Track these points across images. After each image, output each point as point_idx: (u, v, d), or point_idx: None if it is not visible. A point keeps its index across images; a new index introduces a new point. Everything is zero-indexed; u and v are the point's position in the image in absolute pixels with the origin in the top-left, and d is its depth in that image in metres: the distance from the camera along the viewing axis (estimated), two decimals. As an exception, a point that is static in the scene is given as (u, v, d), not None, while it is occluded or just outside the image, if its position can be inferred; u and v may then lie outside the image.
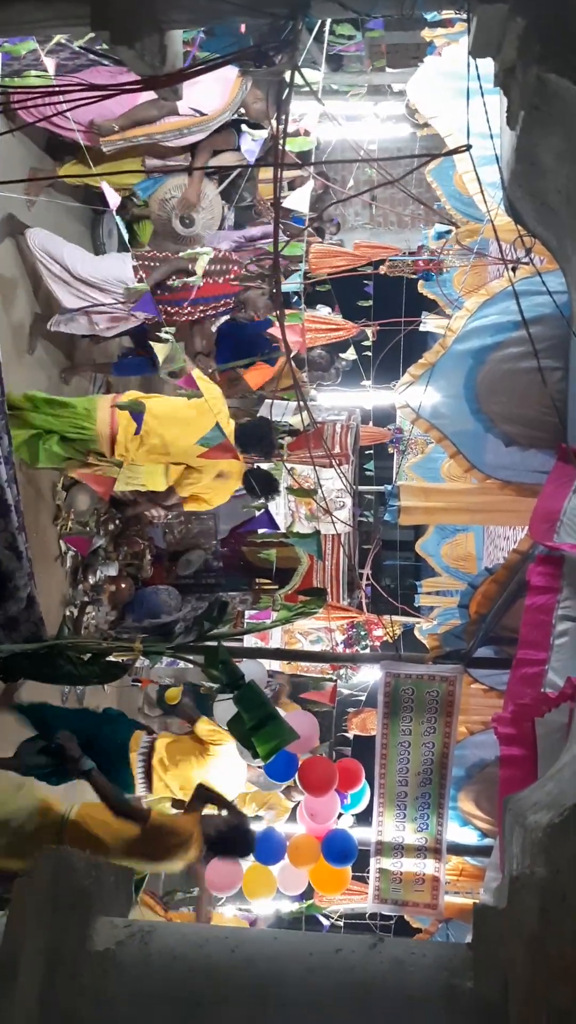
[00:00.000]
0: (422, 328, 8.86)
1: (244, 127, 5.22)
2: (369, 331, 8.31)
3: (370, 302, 8.56)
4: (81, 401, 5.02)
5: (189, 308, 5.29)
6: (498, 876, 3.58)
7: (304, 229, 5.74)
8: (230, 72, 4.95)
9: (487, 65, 2.49)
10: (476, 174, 2.65)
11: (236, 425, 5.16)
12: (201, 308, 5.38)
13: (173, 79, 2.55)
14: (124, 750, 4.99)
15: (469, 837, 5.42)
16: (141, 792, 5.01)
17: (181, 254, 5.00)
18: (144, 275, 5.10)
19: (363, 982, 1.74)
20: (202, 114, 5.05)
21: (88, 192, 5.66)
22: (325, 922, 6.35)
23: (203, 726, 5.01)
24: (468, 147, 2.44)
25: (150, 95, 4.30)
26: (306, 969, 1.77)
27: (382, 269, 8.09)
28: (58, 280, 5.16)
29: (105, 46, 4.21)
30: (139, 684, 6.62)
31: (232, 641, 4.96)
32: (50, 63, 4.13)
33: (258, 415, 6.80)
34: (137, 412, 4.76)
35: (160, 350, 4.52)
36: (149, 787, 5.02)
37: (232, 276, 5.28)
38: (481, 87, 2.50)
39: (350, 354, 8.59)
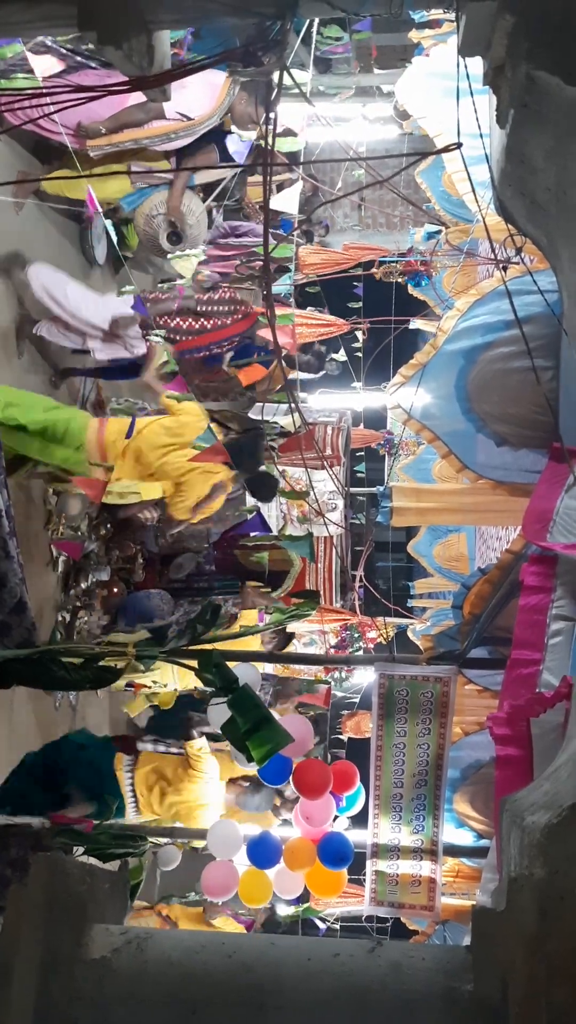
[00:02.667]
0: (411, 326, 8.87)
1: (233, 128, 5.22)
2: (359, 332, 8.31)
3: (360, 303, 8.57)
4: (70, 420, 4.96)
5: (202, 351, 5.34)
6: (494, 877, 3.57)
7: (292, 232, 5.74)
8: (218, 77, 4.95)
9: (476, 64, 2.48)
10: (467, 173, 2.65)
11: (227, 441, 5.17)
12: (215, 348, 5.41)
13: (161, 79, 2.54)
14: (109, 773, 5.01)
15: (465, 838, 5.41)
16: (132, 816, 5.01)
17: (170, 256, 4.99)
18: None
19: (362, 986, 1.72)
20: (189, 119, 5.05)
21: (75, 200, 5.64)
22: (321, 925, 6.33)
23: (193, 747, 5.01)
24: (458, 145, 2.44)
25: (138, 98, 4.29)
26: (304, 974, 1.75)
27: (376, 274, 8.10)
28: (59, 323, 5.20)
29: (91, 46, 4.20)
30: (132, 689, 6.57)
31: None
32: (55, 64, 4.10)
33: (249, 425, 6.80)
34: (130, 415, 4.76)
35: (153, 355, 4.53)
36: (138, 808, 5.03)
37: (240, 315, 5.30)
38: (471, 86, 2.50)
39: (340, 356, 8.59)
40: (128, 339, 5.18)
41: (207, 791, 5.02)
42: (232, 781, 5.25)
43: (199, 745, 5.06)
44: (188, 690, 5.71)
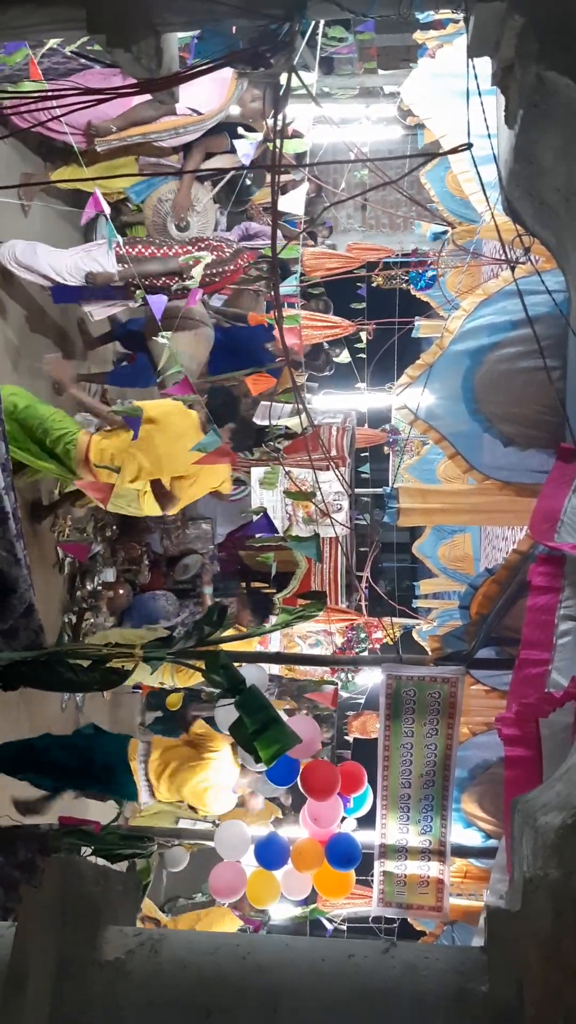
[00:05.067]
0: (414, 335, 8.88)
1: (240, 129, 5.22)
2: (363, 333, 8.31)
3: (363, 304, 8.57)
4: (64, 434, 4.91)
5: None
6: (504, 878, 3.56)
7: (299, 233, 5.74)
8: (226, 71, 4.95)
9: (482, 65, 2.48)
10: (477, 173, 2.64)
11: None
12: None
13: (169, 82, 2.54)
14: (123, 759, 5.04)
15: (473, 839, 5.41)
16: (146, 800, 5.05)
17: (181, 258, 4.99)
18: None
19: (376, 988, 1.72)
20: (198, 113, 5.05)
21: (81, 196, 5.65)
22: (329, 926, 6.32)
23: (198, 728, 5.05)
24: (469, 146, 2.44)
25: (147, 95, 4.29)
26: (318, 975, 1.75)
27: (378, 282, 8.10)
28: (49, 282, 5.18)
29: (98, 48, 4.21)
30: (139, 691, 6.59)
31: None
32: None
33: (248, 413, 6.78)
34: (133, 418, 4.75)
35: (159, 355, 4.52)
36: (152, 794, 5.06)
37: (233, 268, 5.26)
38: (479, 87, 2.50)
39: (344, 356, 8.59)
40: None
41: (215, 775, 5.04)
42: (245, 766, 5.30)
43: (201, 730, 5.12)
44: (193, 686, 5.72)
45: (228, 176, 5.67)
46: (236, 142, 4.98)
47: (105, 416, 4.99)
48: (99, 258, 5.13)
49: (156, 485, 4.95)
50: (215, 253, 5.27)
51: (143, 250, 5.20)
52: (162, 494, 4.99)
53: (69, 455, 4.82)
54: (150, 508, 5.10)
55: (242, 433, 5.54)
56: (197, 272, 4.81)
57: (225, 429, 4.82)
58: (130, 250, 5.06)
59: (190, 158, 5.38)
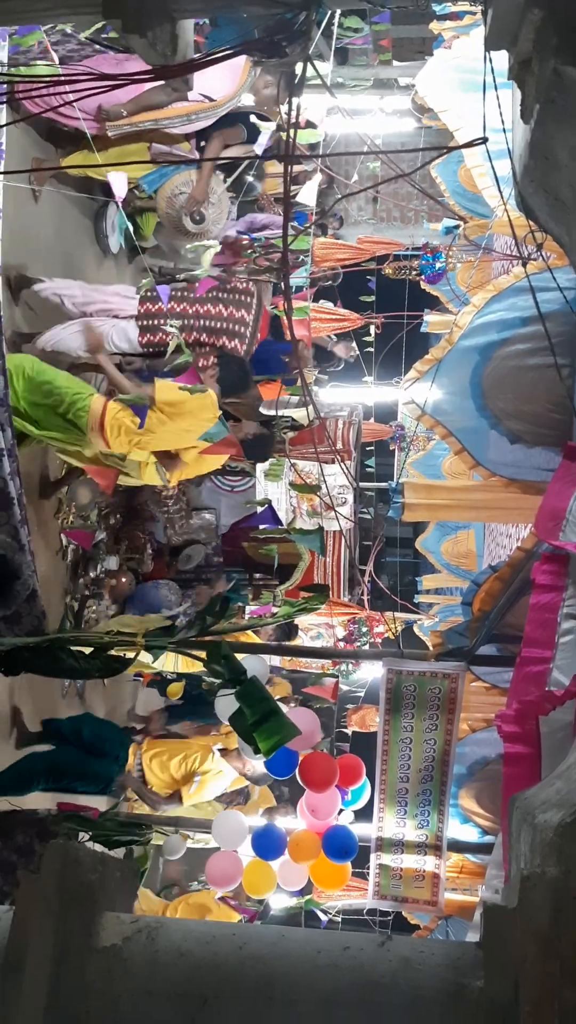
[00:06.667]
0: (423, 330, 8.85)
1: (253, 118, 5.19)
2: (372, 326, 8.28)
3: (373, 297, 8.55)
4: (78, 394, 4.91)
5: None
6: (500, 873, 3.57)
7: (310, 225, 5.71)
8: (239, 57, 4.92)
9: (499, 57, 2.46)
10: (492, 167, 2.62)
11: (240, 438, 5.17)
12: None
13: (184, 69, 2.52)
14: (123, 754, 5.17)
15: (470, 834, 5.42)
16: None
17: (188, 245, 4.97)
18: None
19: (372, 981, 1.72)
20: (211, 100, 5.02)
21: (91, 182, 5.63)
22: (323, 917, 6.35)
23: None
24: (484, 140, 2.42)
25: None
26: (314, 966, 1.76)
27: (388, 271, 8.06)
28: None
29: (114, 35, 4.18)
30: (140, 679, 6.61)
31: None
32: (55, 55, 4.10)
33: (260, 418, 6.80)
34: (140, 406, 4.73)
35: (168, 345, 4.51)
36: (145, 781, 5.21)
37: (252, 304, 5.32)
38: (495, 80, 2.48)
39: (353, 351, 8.56)
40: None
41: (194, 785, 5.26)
42: (226, 751, 5.42)
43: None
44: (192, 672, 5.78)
45: (242, 167, 5.64)
46: (259, 123, 4.94)
47: (125, 390, 4.94)
48: (128, 331, 5.21)
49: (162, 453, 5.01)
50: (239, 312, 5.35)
51: (162, 308, 5.25)
52: (168, 458, 5.02)
53: (81, 420, 4.75)
54: (150, 477, 5.13)
55: (257, 444, 5.57)
56: (206, 260, 4.79)
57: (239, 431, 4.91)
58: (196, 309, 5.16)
59: (209, 149, 5.35)
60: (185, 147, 5.35)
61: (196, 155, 5.37)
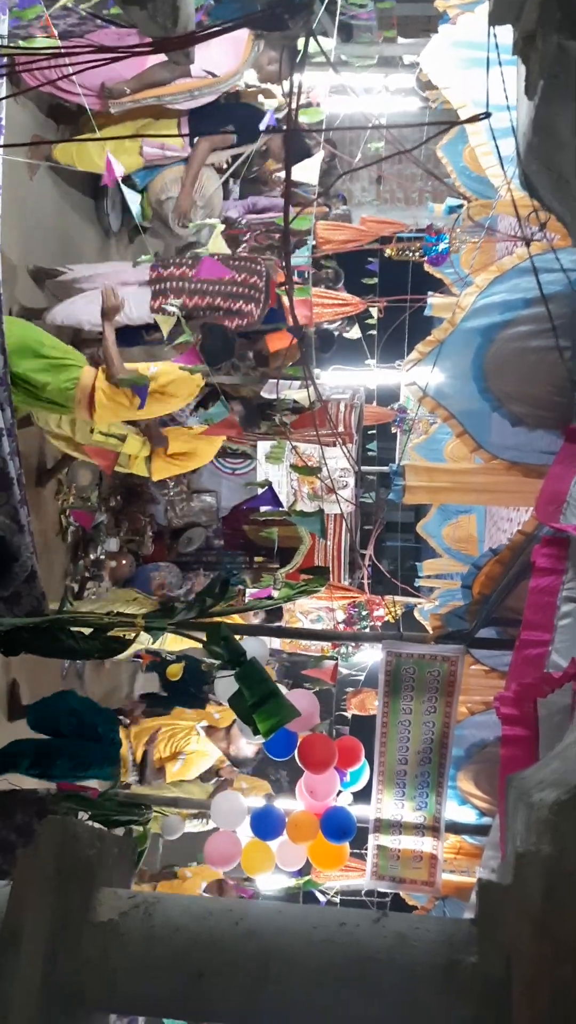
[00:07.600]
0: (427, 313, 8.79)
1: (260, 97, 5.15)
2: (374, 309, 8.23)
3: (375, 280, 8.49)
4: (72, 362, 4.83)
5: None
6: (497, 854, 3.59)
7: (313, 200, 5.67)
8: (241, 32, 4.86)
9: (504, 33, 2.42)
10: (495, 144, 2.60)
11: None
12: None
13: (184, 42, 2.48)
14: (115, 744, 5.21)
15: (467, 816, 5.45)
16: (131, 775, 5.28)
17: (189, 224, 4.94)
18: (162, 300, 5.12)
19: (367, 956, 1.73)
20: (214, 76, 4.97)
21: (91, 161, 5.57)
22: (322, 898, 6.39)
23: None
24: (487, 115, 2.39)
25: (160, 56, 4.22)
26: (309, 942, 1.77)
27: (389, 252, 8.00)
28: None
29: (115, 10, 4.13)
30: (140, 660, 6.62)
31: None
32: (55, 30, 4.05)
33: (257, 399, 6.78)
34: (140, 386, 4.70)
35: (163, 322, 4.48)
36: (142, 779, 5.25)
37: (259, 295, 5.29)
38: (499, 57, 2.44)
39: (355, 333, 8.51)
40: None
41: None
42: (212, 730, 5.47)
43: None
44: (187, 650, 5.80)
45: (238, 163, 5.60)
46: (264, 100, 4.89)
47: (115, 370, 4.77)
48: (132, 304, 5.16)
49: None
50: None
51: (174, 271, 5.19)
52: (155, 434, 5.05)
53: (67, 394, 4.60)
54: (139, 469, 5.17)
55: (249, 415, 5.56)
56: (210, 241, 4.75)
57: (233, 412, 4.88)
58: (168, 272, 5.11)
59: (194, 156, 5.30)
60: (178, 144, 5.30)
61: (188, 151, 5.34)
